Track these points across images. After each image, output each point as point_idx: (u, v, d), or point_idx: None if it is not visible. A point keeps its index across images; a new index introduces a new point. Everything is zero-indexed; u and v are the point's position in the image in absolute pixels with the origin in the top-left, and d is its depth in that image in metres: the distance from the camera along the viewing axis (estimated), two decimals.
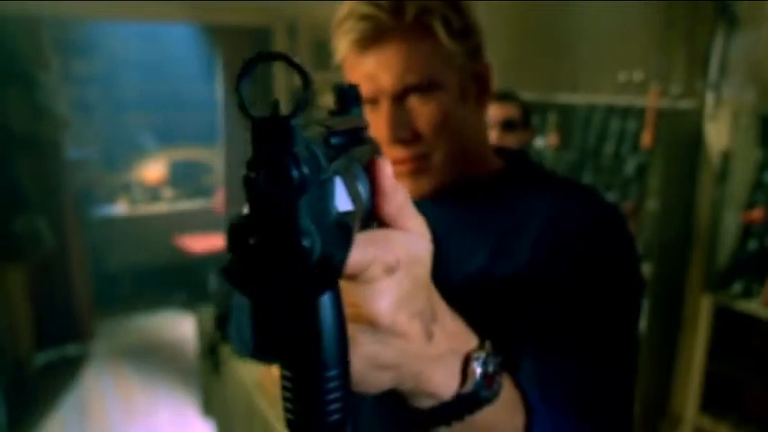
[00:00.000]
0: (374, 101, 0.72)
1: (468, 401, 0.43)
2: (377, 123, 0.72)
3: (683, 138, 2.57)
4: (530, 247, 0.70)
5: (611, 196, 2.66)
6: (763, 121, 2.35)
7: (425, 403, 0.42)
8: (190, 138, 5.50)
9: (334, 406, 0.30)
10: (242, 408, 2.23)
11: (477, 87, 0.77)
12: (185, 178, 5.47)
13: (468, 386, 0.43)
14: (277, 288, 0.29)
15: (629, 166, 2.61)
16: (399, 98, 0.71)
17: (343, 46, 0.73)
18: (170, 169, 5.48)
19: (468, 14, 0.74)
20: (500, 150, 0.84)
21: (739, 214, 2.39)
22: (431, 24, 0.71)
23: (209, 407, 2.94)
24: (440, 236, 0.68)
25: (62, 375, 3.70)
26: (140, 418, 3.25)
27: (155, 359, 3.94)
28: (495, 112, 1.96)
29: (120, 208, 5.01)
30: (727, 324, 2.46)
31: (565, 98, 2.87)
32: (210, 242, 4.69)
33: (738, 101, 2.42)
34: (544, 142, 2.98)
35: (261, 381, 2.10)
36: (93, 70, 5.03)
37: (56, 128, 3.57)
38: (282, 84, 4.14)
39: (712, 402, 2.51)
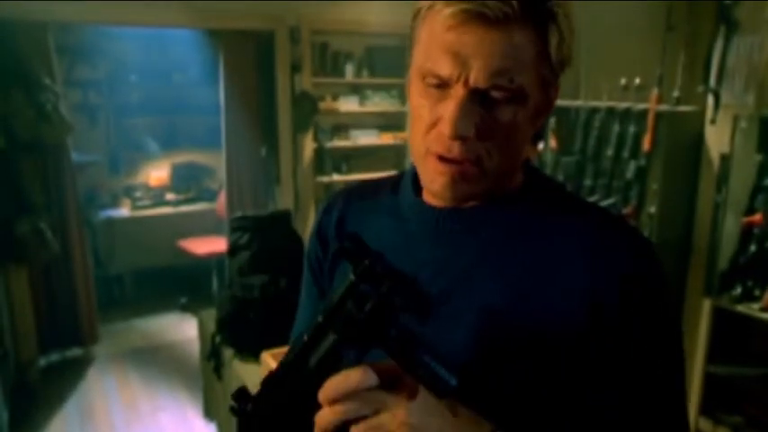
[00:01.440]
0: (445, 83, 0.63)
1: None
2: (438, 108, 0.64)
3: (684, 141, 2.58)
4: (561, 291, 0.65)
5: (611, 200, 2.67)
6: (763, 125, 2.35)
7: None
8: (192, 142, 5.53)
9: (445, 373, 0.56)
10: None
11: (544, 107, 0.69)
12: (188, 182, 5.49)
13: None
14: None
15: (630, 170, 2.62)
16: (477, 92, 0.61)
17: (441, 8, 0.61)
18: (172, 173, 5.50)
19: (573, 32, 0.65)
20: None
21: (739, 218, 2.39)
22: (547, 29, 0.62)
23: (212, 409, 2.95)
24: (460, 261, 0.70)
25: (65, 378, 3.72)
26: (143, 420, 3.26)
27: (157, 361, 3.95)
28: None
29: (123, 211, 5.03)
30: (727, 327, 2.46)
31: (565, 103, 2.88)
32: (213, 245, 4.70)
33: (738, 105, 2.43)
34: (544, 146, 2.99)
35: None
36: (97, 75, 5.06)
37: (59, 132, 3.58)
38: (285, 85, 4.16)
39: (712, 405, 2.52)
